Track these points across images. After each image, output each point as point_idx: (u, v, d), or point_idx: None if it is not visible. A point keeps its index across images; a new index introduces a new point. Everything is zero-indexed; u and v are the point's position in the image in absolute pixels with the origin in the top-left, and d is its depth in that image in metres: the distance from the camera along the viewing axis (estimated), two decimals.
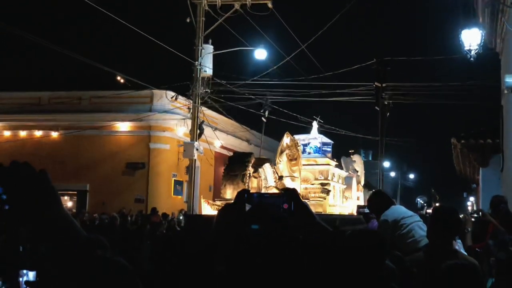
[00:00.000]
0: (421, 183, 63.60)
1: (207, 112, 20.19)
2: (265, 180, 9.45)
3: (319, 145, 11.75)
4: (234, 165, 9.05)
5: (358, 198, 13.57)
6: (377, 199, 5.49)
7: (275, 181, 9.63)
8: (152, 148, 23.64)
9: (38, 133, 24.01)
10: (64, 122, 23.52)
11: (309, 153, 11.68)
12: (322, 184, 10.66)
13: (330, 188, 10.65)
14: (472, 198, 36.71)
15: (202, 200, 9.11)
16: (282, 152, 10.08)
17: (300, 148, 10.52)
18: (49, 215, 1.32)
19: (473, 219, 6.71)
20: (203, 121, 18.06)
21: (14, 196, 1.30)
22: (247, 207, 1.73)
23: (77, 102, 23.68)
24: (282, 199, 1.82)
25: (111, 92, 22.62)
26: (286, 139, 10.18)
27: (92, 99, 23.58)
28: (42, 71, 29.14)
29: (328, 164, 11.25)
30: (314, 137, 12.00)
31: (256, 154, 23.12)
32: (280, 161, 10.02)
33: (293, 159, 10.14)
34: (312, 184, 10.77)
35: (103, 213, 19.16)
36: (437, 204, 33.85)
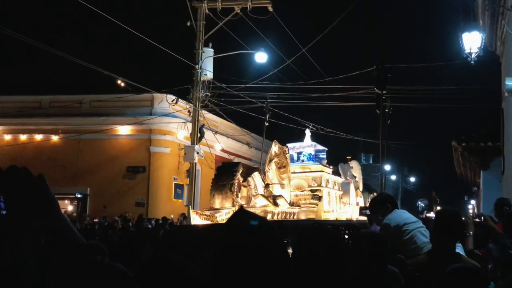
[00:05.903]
0: (421, 186, 63.64)
1: (207, 116, 20.17)
2: (255, 189, 9.52)
3: (312, 153, 11.80)
4: (222, 175, 9.11)
5: (357, 204, 13.57)
6: (380, 201, 5.39)
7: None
8: (152, 151, 23.64)
9: (38, 137, 24.02)
10: (64, 125, 23.51)
11: (302, 160, 11.73)
12: (312, 191, 10.66)
13: (321, 194, 10.65)
14: (473, 201, 36.65)
15: (191, 211, 9.19)
16: (271, 160, 10.18)
17: (288, 156, 10.60)
18: (47, 221, 1.30)
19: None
20: (203, 125, 18.04)
21: (12, 202, 1.28)
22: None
23: (78, 105, 23.69)
24: None
25: (111, 96, 22.63)
26: (274, 148, 10.29)
27: (92, 103, 23.58)
28: (43, 74, 29.16)
29: (322, 171, 11.26)
30: (308, 145, 12.06)
31: (258, 158, 23.09)
32: (269, 169, 10.11)
33: (281, 166, 10.22)
34: (303, 191, 10.79)
35: (104, 217, 19.18)
36: (439, 208, 33.82)
